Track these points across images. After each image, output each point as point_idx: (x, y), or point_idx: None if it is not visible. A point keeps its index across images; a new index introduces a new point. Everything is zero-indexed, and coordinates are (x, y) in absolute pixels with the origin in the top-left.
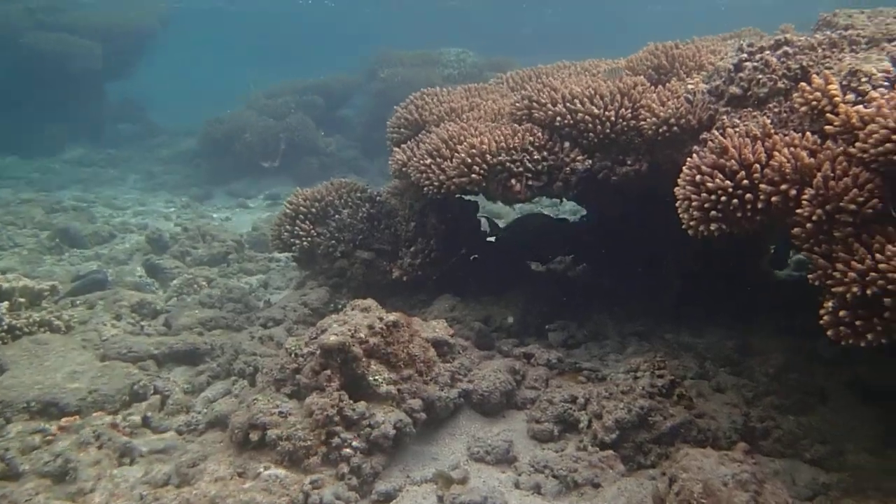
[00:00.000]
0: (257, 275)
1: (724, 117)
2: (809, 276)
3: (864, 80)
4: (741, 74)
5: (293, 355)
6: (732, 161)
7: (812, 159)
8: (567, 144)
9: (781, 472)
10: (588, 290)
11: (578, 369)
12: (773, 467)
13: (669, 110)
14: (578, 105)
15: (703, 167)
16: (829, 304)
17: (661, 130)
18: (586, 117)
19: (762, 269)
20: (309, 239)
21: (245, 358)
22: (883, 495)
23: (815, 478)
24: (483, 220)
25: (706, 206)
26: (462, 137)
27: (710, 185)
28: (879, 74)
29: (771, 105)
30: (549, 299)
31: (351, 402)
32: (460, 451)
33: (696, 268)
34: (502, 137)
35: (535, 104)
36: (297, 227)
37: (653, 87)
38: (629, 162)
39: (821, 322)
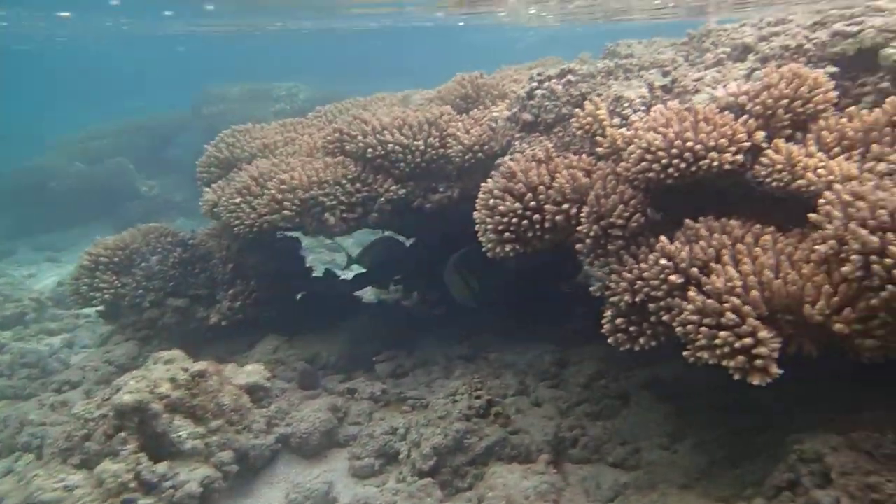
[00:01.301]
0: (61, 334)
1: (517, 143)
2: (591, 288)
3: (626, 105)
4: (532, 102)
5: (83, 420)
6: (520, 184)
7: (587, 179)
8: (380, 175)
9: (588, 478)
10: (418, 317)
11: (403, 399)
12: (581, 474)
13: (473, 137)
14: (388, 136)
15: (495, 191)
16: (608, 312)
17: (467, 157)
18: (396, 147)
19: (577, 282)
20: (112, 290)
21: (31, 430)
22: (670, 486)
23: (616, 479)
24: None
25: (500, 228)
26: (272, 173)
27: (501, 208)
28: (638, 99)
29: (556, 130)
30: (380, 331)
31: (151, 463)
32: (278, 500)
33: (514, 287)
34: (314, 171)
35: (346, 136)
36: (97, 279)
37: (459, 116)
38: (441, 189)
39: (603, 330)
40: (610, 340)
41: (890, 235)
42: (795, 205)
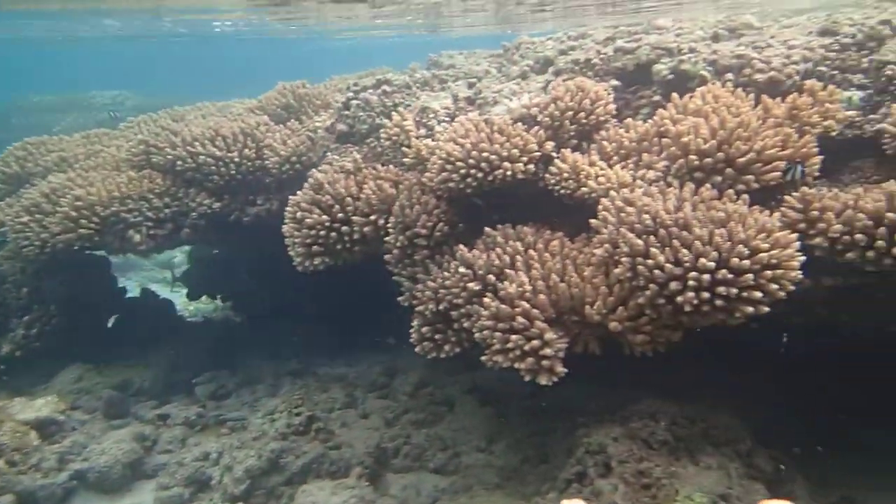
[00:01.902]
0: None
1: (329, 154)
2: (399, 298)
3: (431, 116)
4: (347, 112)
5: None
6: (328, 196)
7: (394, 190)
8: (192, 189)
9: (409, 486)
10: (247, 334)
11: (223, 421)
12: (401, 483)
13: (290, 148)
14: (199, 147)
15: (303, 203)
16: (415, 321)
17: (284, 168)
18: (209, 159)
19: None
20: None
21: None
22: (482, 488)
23: (436, 485)
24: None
25: (308, 241)
26: (67, 189)
27: (309, 220)
28: (442, 111)
29: (370, 140)
30: (203, 350)
31: None
32: None
33: (339, 300)
34: (115, 186)
35: (153, 149)
36: None
37: (277, 127)
38: (259, 202)
39: (411, 340)
40: (417, 349)
41: (652, 239)
42: (585, 211)
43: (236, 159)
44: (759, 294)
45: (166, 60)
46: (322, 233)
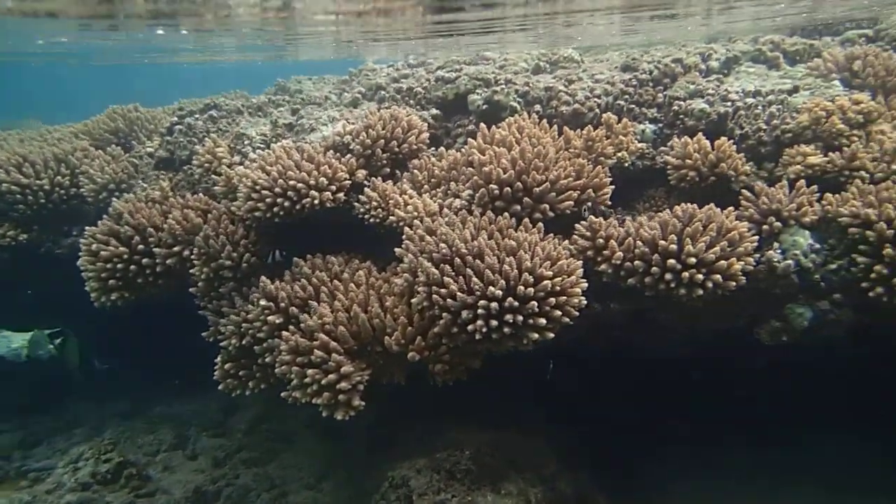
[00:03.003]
0: None
1: (141, 181)
2: (203, 333)
3: (246, 142)
4: (169, 138)
5: None
6: (127, 227)
7: (201, 219)
8: None
9: None
10: (74, 376)
11: (25, 472)
12: None
13: (107, 176)
14: (2, 175)
15: (99, 235)
16: (219, 357)
17: (102, 196)
18: (13, 188)
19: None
20: None
21: None
22: None
23: None
24: None
25: (104, 275)
26: None
27: (104, 253)
28: (258, 137)
29: (187, 167)
30: (12, 395)
31: None
32: None
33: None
34: None
35: None
36: None
37: (97, 153)
38: (75, 233)
39: (214, 377)
40: (221, 387)
41: (447, 268)
42: (395, 240)
43: (46, 187)
44: (543, 321)
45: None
46: (120, 266)
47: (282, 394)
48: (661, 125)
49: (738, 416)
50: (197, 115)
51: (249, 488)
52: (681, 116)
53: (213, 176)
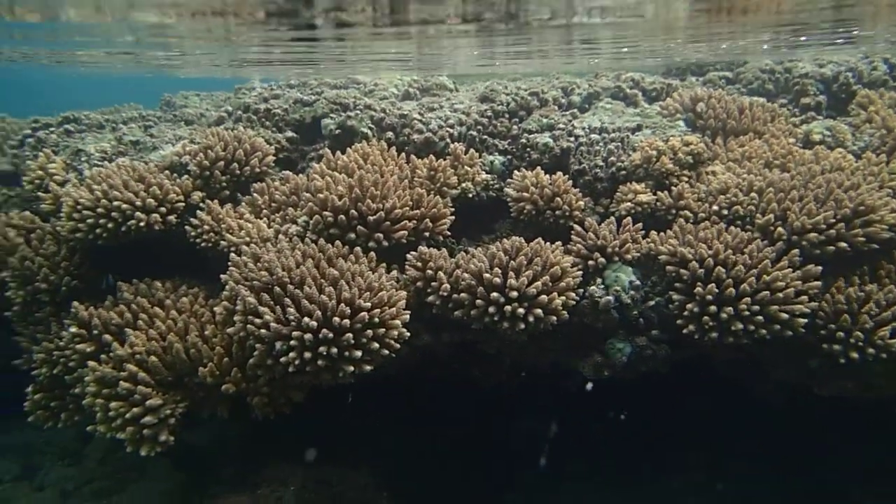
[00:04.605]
0: None
1: None
2: (15, 361)
3: (83, 158)
4: (17, 151)
5: None
6: None
7: (20, 239)
8: None
9: None
10: None
11: None
12: None
13: None
14: None
15: None
16: (30, 387)
17: None
18: None
19: None
20: None
21: None
22: None
23: None
24: None
25: None
26: None
27: None
28: (97, 154)
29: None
30: None
31: None
32: None
33: None
34: None
35: None
36: None
37: None
38: None
39: (25, 408)
40: (30, 419)
41: (265, 296)
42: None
43: None
44: (359, 353)
45: None
46: None
47: (87, 427)
48: (510, 157)
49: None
50: (52, 128)
51: None
52: (528, 149)
53: (40, 193)
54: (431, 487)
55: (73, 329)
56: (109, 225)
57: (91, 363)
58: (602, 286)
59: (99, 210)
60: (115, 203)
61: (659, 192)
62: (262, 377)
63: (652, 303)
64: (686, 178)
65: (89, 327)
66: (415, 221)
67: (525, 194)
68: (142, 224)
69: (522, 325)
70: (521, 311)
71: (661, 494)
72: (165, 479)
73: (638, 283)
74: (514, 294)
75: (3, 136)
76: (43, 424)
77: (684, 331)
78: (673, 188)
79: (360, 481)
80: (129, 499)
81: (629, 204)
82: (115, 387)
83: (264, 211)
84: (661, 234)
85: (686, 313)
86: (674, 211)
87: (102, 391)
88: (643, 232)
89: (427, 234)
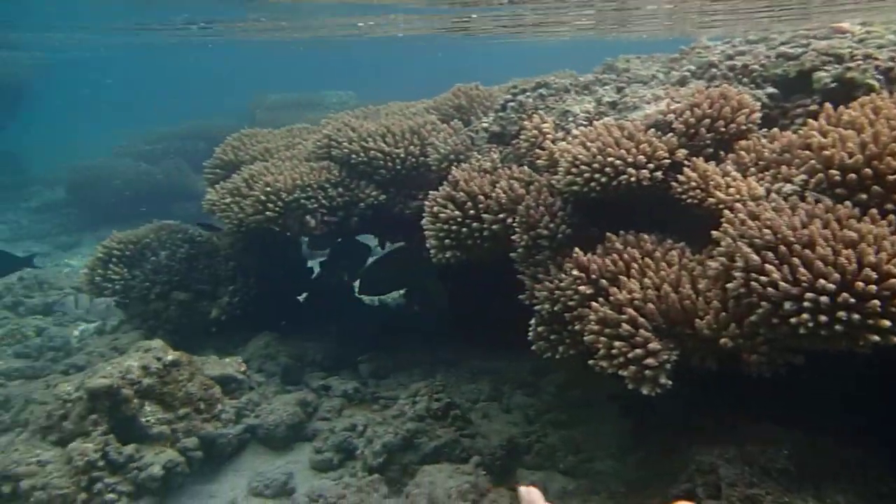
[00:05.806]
0: (96, 321)
1: (476, 153)
2: (521, 296)
3: (570, 119)
4: (502, 114)
5: (62, 401)
6: (462, 193)
7: (524, 190)
8: (363, 181)
9: (537, 482)
10: (411, 323)
11: (376, 398)
12: (531, 479)
13: (449, 147)
14: (371, 143)
15: (439, 199)
16: (533, 320)
17: (443, 166)
18: (378, 154)
19: None
20: (122, 282)
21: (33, 407)
22: (605, 495)
23: (564, 486)
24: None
25: (441, 234)
26: (261, 176)
27: (443, 215)
28: (582, 114)
29: (515, 141)
30: (369, 332)
31: (119, 445)
32: (241, 487)
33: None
34: (298, 175)
35: (333, 143)
36: (109, 271)
37: (442, 126)
38: (420, 196)
39: (529, 337)
40: (534, 348)
41: (770, 255)
42: (713, 222)
43: (402, 155)
44: (887, 323)
45: (391, 63)
46: (454, 227)
47: (589, 361)
48: None
49: None
50: (528, 93)
51: (556, 448)
52: None
53: (537, 150)
54: None
55: (575, 272)
56: (603, 179)
57: (593, 304)
58: None
59: (594, 165)
60: (609, 159)
61: None
62: (761, 335)
63: None
64: None
65: (588, 272)
66: None
67: None
68: (632, 179)
69: None
70: None
71: None
72: (616, 422)
73: None
74: None
75: (482, 102)
76: (543, 354)
77: None
78: None
79: (855, 456)
80: (585, 434)
81: None
82: (616, 328)
83: (751, 169)
84: None
85: None
86: None
87: (604, 331)
88: None
89: None
